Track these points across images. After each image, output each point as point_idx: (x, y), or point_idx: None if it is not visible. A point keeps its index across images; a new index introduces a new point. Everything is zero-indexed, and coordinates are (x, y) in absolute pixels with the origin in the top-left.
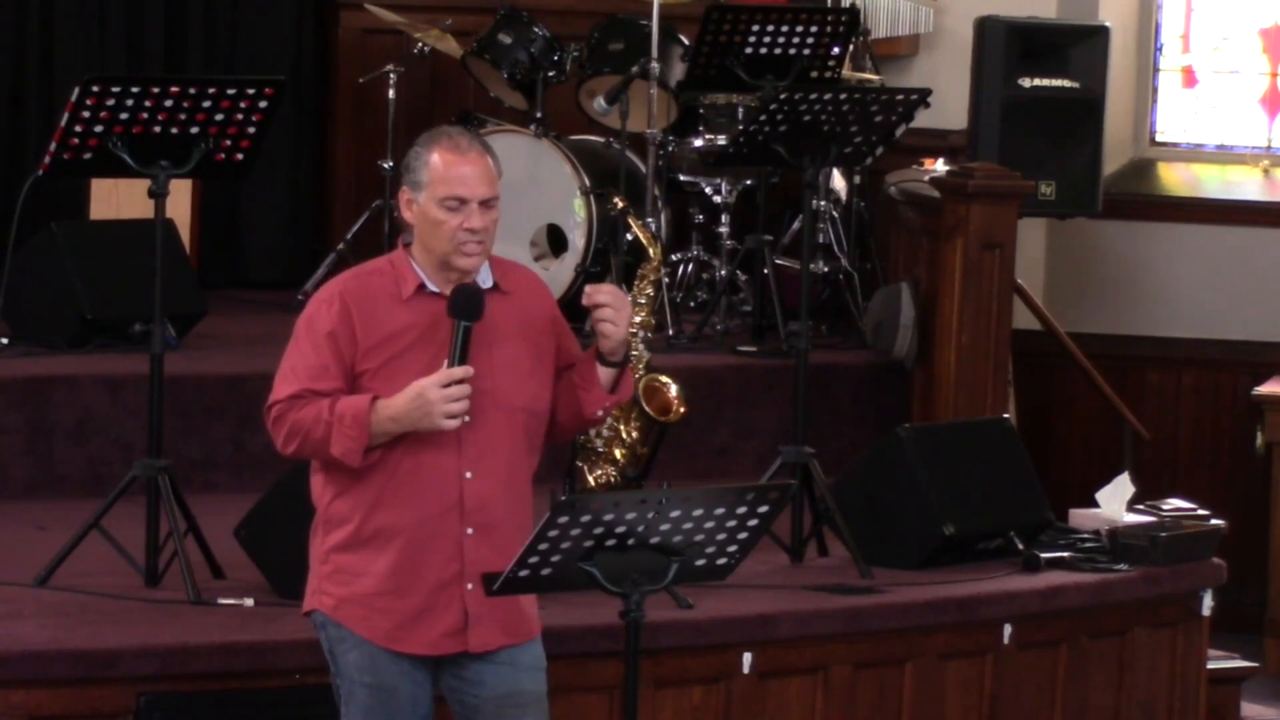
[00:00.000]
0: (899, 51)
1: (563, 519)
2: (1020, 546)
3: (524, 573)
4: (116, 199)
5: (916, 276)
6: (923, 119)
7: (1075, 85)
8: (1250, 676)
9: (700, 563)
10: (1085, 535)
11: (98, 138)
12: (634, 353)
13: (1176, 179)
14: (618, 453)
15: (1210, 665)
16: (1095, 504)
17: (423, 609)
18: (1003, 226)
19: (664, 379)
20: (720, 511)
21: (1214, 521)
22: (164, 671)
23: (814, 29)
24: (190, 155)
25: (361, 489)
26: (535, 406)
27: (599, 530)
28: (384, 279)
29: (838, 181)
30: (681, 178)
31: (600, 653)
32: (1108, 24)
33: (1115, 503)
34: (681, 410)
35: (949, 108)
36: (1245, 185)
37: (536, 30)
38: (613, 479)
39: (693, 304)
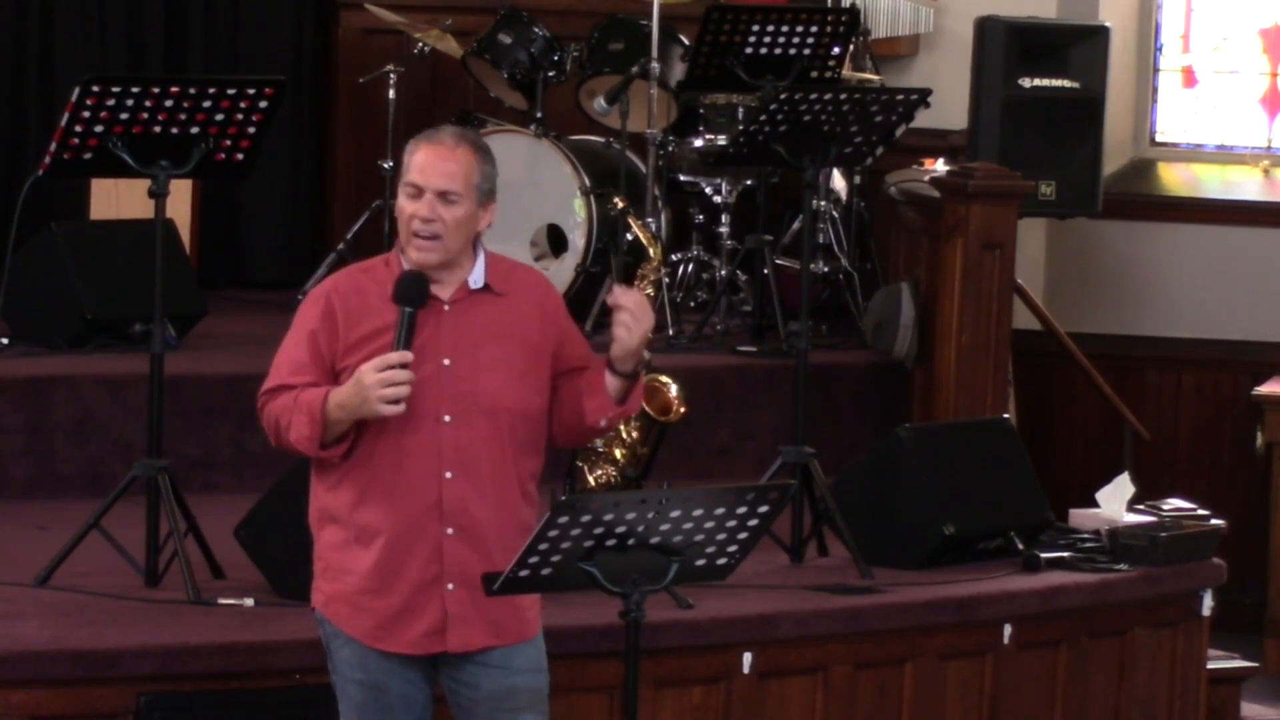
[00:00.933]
0: (899, 51)
1: (563, 519)
2: (1020, 546)
3: (524, 573)
4: (116, 199)
5: (916, 276)
6: (923, 119)
7: (1075, 85)
8: (1250, 676)
9: (700, 563)
10: (1085, 535)
11: (98, 138)
12: None
13: (1176, 179)
14: (618, 453)
15: (1210, 665)
16: (1095, 504)
17: (403, 608)
18: (1003, 226)
19: (664, 379)
20: (720, 511)
21: (1214, 521)
22: (164, 671)
23: (814, 29)
24: (190, 155)
25: (347, 487)
26: (525, 409)
27: (599, 530)
28: (375, 277)
29: (838, 181)
30: (681, 178)
31: (600, 653)
32: (1108, 24)
33: (1115, 503)
34: (681, 410)
35: (949, 108)
36: (1245, 185)
37: (536, 30)
38: (613, 479)
39: (693, 304)
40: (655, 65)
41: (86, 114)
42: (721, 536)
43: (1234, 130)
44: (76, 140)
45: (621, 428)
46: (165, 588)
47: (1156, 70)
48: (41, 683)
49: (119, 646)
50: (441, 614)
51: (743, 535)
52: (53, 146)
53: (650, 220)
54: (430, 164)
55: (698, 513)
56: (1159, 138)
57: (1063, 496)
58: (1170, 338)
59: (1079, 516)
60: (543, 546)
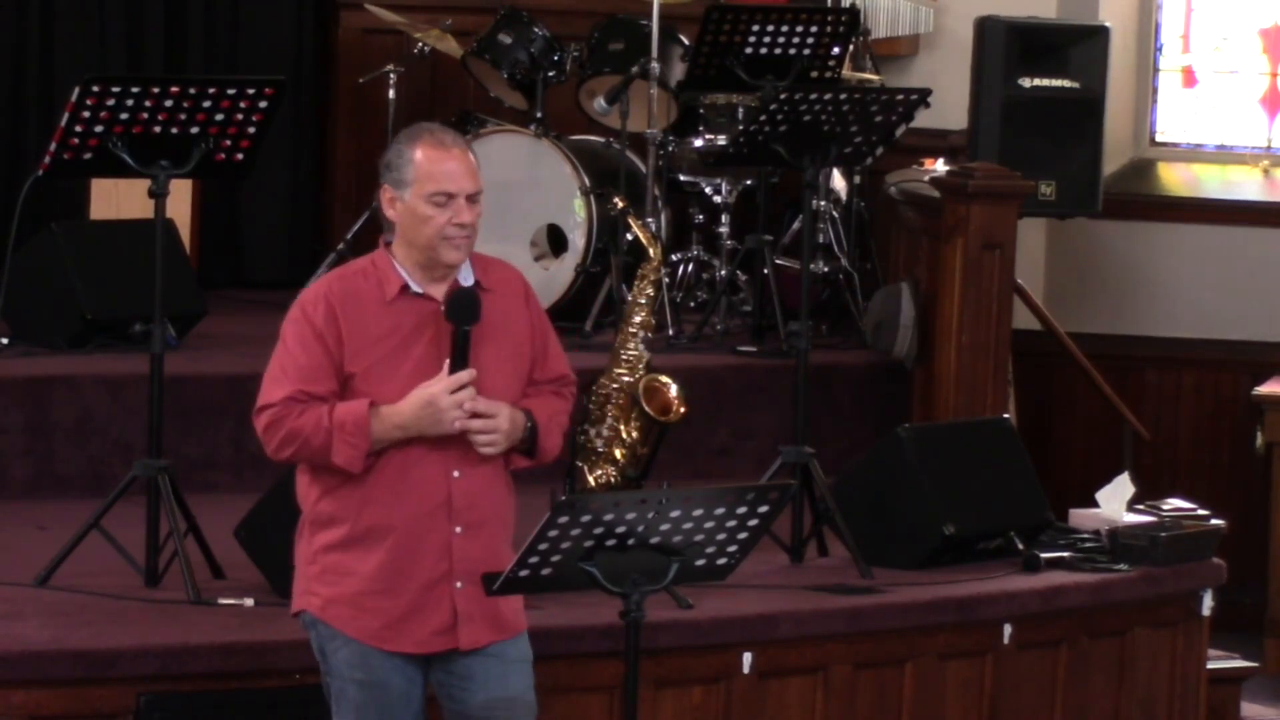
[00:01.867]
0: (899, 51)
1: (563, 519)
2: (1020, 546)
3: (524, 572)
4: (116, 199)
5: (916, 276)
6: (923, 119)
7: (1075, 85)
8: (1250, 676)
9: (700, 563)
10: (1085, 535)
11: (98, 138)
12: (634, 353)
13: (1176, 179)
14: (618, 453)
15: (1210, 665)
16: (1095, 504)
17: (412, 608)
18: (1003, 226)
19: (664, 379)
20: (720, 511)
21: (1214, 521)
22: (164, 671)
23: (814, 29)
24: (190, 155)
25: (349, 489)
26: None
27: (599, 530)
28: (367, 280)
29: (838, 181)
30: (681, 178)
31: (600, 653)
32: (1108, 24)
33: (1115, 503)
34: (681, 410)
35: (949, 108)
36: (1245, 185)
37: (536, 30)
38: (613, 479)
39: (693, 304)
40: (655, 65)
41: (86, 114)
42: (721, 536)
43: (1234, 130)
44: (76, 140)
45: (621, 428)
46: (165, 588)
47: (1156, 70)
48: (41, 683)
49: (119, 646)
50: (451, 612)
51: (743, 535)
52: (53, 146)
53: (650, 220)
54: (457, 170)
55: (698, 513)
56: (1159, 138)
57: (1063, 496)
58: (1170, 338)
59: (1079, 516)
60: (543, 546)
